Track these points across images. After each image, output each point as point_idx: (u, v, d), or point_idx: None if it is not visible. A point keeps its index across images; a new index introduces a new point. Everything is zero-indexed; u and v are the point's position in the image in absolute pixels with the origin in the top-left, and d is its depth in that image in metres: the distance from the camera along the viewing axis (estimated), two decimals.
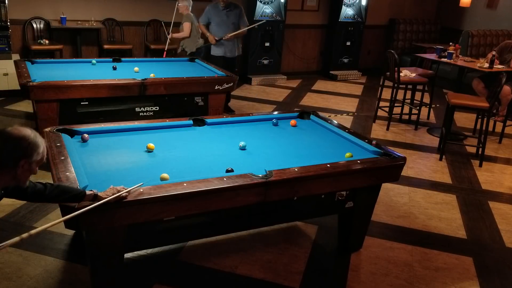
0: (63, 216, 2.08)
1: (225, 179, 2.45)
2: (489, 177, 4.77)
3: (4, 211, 3.44)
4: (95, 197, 2.14)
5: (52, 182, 2.38)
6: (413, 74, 6.10)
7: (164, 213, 2.36)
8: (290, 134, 3.45)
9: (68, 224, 2.22)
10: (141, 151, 2.91)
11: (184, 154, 2.93)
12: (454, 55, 6.03)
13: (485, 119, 5.07)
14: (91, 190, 2.17)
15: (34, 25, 6.66)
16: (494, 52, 5.81)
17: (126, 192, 2.18)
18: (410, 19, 9.52)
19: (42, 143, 1.87)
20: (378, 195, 3.16)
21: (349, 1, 8.62)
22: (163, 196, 2.26)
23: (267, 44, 8.09)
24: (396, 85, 5.89)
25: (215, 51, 6.11)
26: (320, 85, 8.41)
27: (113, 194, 2.14)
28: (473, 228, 3.75)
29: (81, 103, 4.35)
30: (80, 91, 4.27)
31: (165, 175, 2.48)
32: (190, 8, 6.28)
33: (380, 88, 6.28)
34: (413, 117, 6.34)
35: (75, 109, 4.34)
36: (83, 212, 2.05)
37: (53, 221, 2.04)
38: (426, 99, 6.56)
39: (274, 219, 3.02)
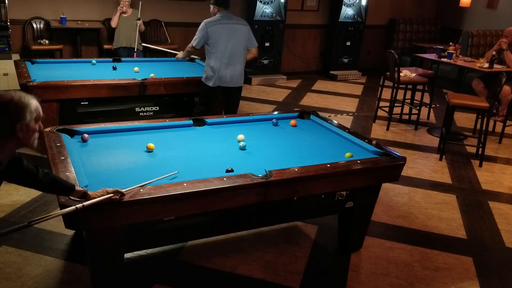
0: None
1: (225, 179, 2.45)
2: (489, 177, 4.77)
3: (4, 211, 3.44)
4: (85, 195, 2.12)
5: None
6: (413, 74, 6.09)
7: (164, 213, 2.36)
8: (290, 134, 3.45)
9: (68, 224, 2.23)
10: (141, 151, 2.90)
11: (184, 154, 2.93)
12: (454, 55, 6.02)
13: (485, 119, 5.07)
14: (82, 188, 2.16)
15: (34, 25, 6.66)
16: (494, 53, 5.81)
17: (120, 194, 2.16)
18: (410, 19, 9.51)
19: (30, 100, 1.81)
20: (378, 195, 3.16)
21: (349, 1, 8.61)
22: (163, 196, 2.27)
23: (267, 44, 8.08)
24: (396, 85, 5.88)
25: None
26: (320, 85, 8.40)
27: (101, 196, 2.11)
28: (473, 228, 3.75)
29: (81, 103, 4.35)
30: (80, 91, 4.28)
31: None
32: None
33: (380, 88, 6.28)
34: (413, 117, 6.34)
35: (75, 109, 4.34)
36: (91, 204, 2.06)
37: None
38: (426, 99, 6.56)
39: (274, 219, 3.02)
